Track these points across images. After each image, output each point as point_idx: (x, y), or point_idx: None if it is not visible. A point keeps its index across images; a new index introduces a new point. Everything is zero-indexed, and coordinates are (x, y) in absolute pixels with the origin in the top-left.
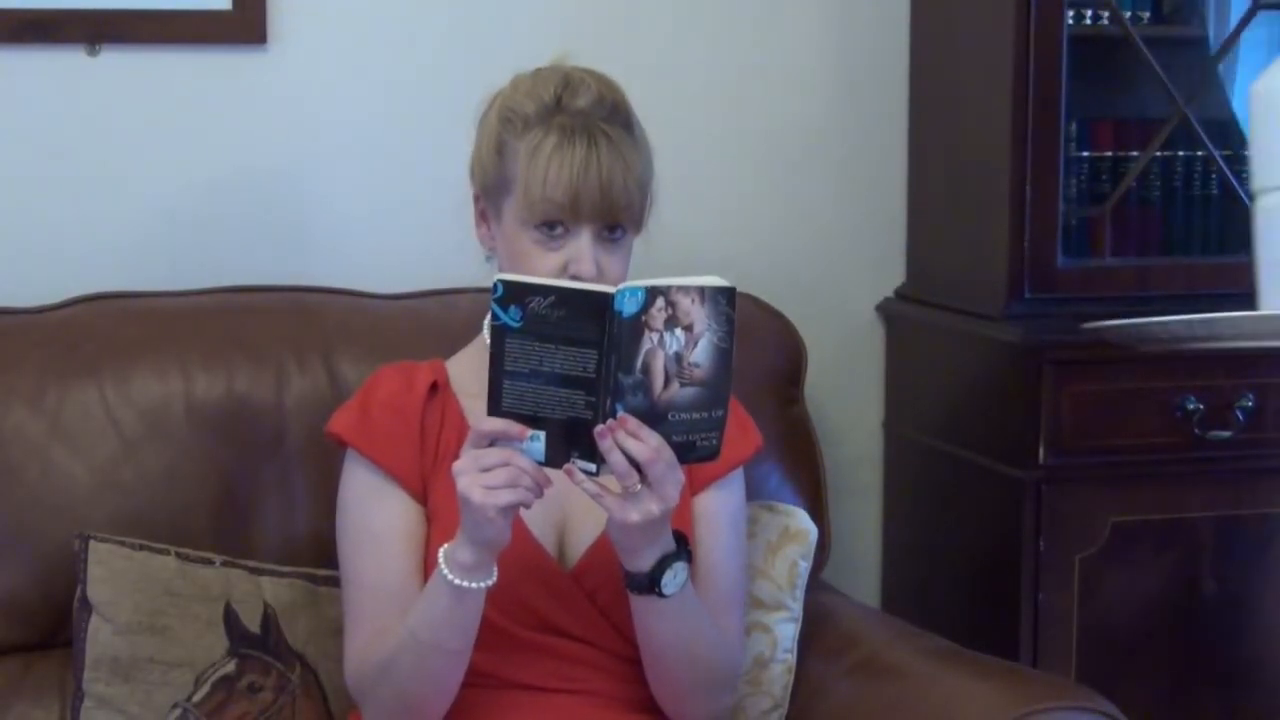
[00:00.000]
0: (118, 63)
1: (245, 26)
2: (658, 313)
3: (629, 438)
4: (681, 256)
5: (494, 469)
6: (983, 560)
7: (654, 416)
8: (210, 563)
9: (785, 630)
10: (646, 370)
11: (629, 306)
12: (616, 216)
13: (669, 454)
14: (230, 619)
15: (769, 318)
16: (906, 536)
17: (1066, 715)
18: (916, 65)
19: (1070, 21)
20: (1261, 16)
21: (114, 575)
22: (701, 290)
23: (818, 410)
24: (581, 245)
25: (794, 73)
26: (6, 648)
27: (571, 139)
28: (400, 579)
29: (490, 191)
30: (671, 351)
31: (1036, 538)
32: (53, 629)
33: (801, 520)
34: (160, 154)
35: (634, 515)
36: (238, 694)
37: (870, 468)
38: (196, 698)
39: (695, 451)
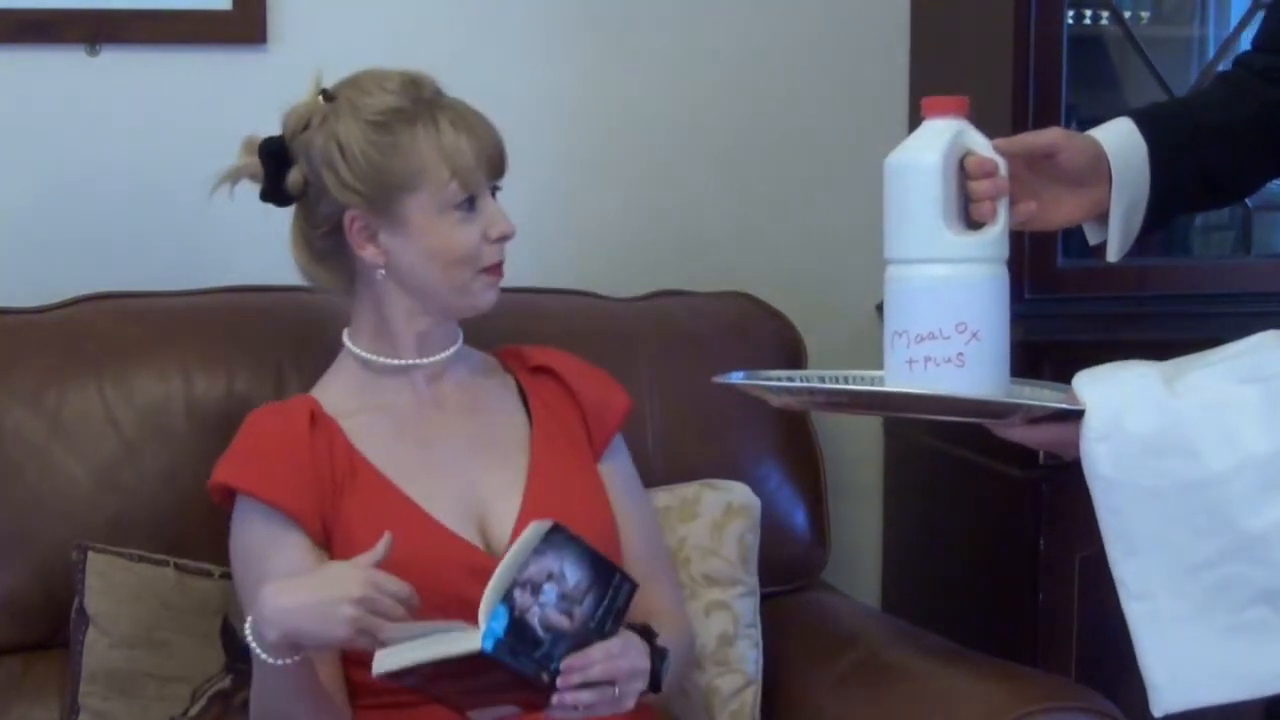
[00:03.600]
0: (118, 63)
1: (245, 26)
2: (523, 597)
3: (581, 690)
4: (682, 256)
5: (381, 616)
6: (982, 560)
7: (583, 638)
8: (209, 574)
9: (744, 605)
10: (551, 627)
11: (500, 628)
12: (505, 166)
13: (614, 651)
14: (228, 634)
15: (769, 318)
16: (906, 536)
17: (1066, 715)
18: (916, 65)
19: (1070, 21)
20: (1261, 17)
21: (112, 588)
22: (533, 551)
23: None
24: (493, 208)
25: (794, 72)
26: (6, 648)
27: (454, 114)
28: None
29: (384, 198)
30: (554, 602)
31: (1036, 538)
32: (53, 629)
33: (743, 494)
34: (160, 154)
35: (629, 701)
36: (233, 710)
37: (870, 468)
38: (192, 712)
39: (618, 622)
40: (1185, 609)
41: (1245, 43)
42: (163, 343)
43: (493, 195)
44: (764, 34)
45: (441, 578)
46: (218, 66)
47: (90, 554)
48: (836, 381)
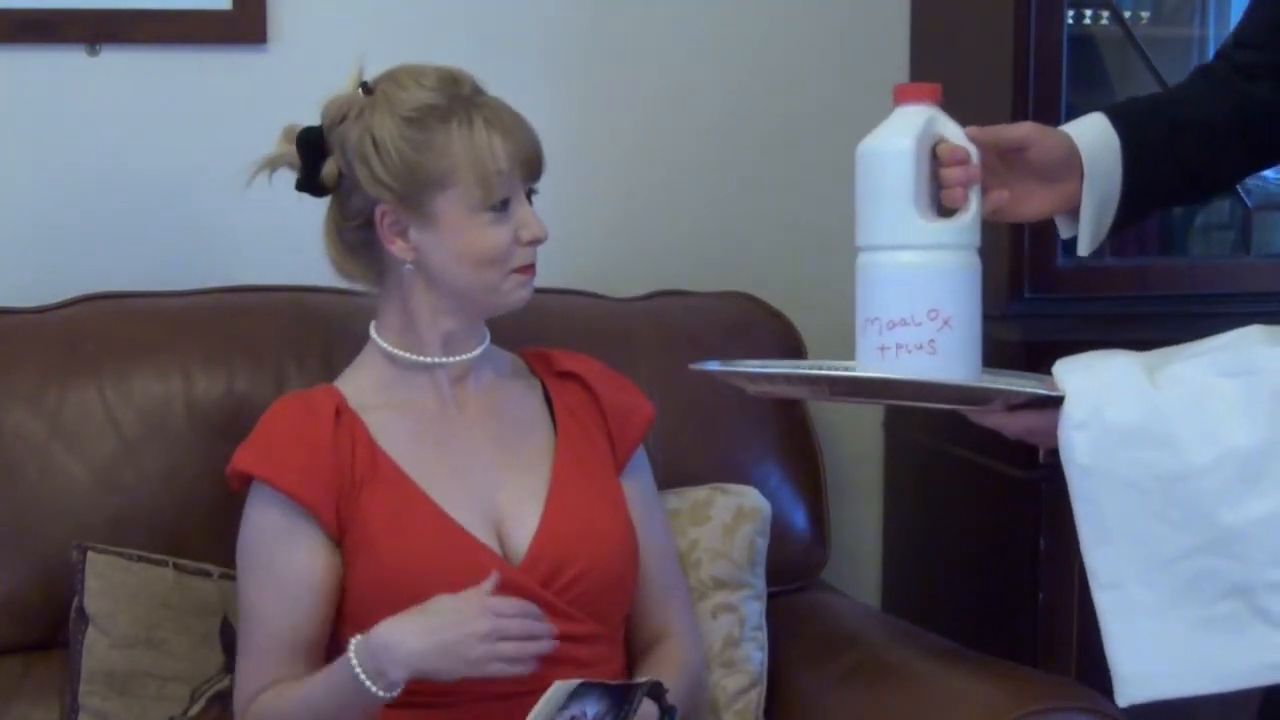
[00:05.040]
0: (118, 63)
1: (245, 26)
2: None
3: None
4: (682, 256)
5: (514, 640)
6: (983, 560)
7: None
8: (208, 574)
9: (751, 608)
10: None
11: None
12: (542, 169)
13: None
14: (226, 634)
15: (769, 318)
16: (906, 536)
17: (1066, 715)
18: (917, 65)
19: (1070, 21)
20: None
21: (112, 588)
22: (559, 708)
23: (818, 410)
24: (525, 211)
25: (794, 72)
26: (6, 648)
27: (490, 112)
28: (305, 634)
29: (415, 195)
30: None
31: (1036, 538)
32: (53, 629)
33: (754, 498)
34: (160, 154)
35: None
36: (233, 710)
37: (870, 468)
38: (192, 712)
39: (635, 709)
40: (1156, 601)
41: None
42: (163, 343)
43: (529, 198)
44: (764, 34)
45: (455, 580)
46: (218, 66)
47: (90, 554)
48: (813, 369)
